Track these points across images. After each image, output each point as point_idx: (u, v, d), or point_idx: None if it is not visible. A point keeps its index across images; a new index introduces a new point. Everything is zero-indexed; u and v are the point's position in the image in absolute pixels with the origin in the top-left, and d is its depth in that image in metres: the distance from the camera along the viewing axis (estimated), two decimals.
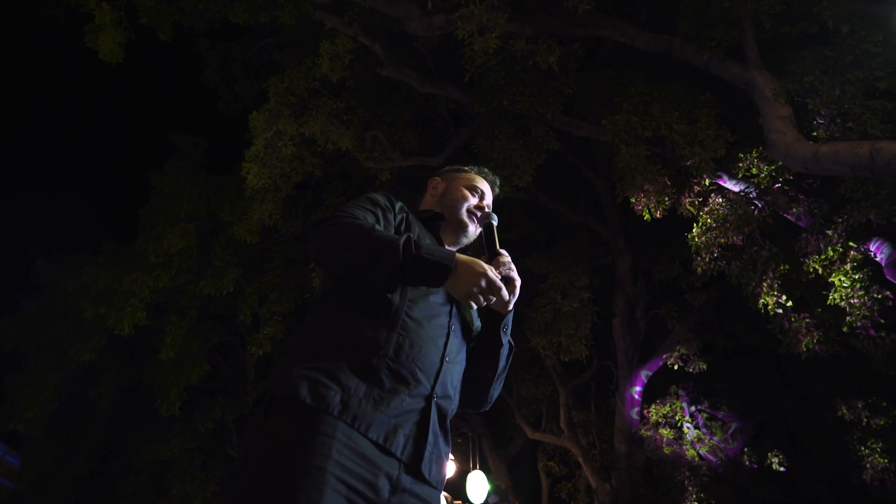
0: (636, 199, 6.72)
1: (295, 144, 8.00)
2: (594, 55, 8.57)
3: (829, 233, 5.90)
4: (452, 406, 1.65)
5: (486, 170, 2.10)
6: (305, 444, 1.34)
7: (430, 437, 1.53)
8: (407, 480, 1.47)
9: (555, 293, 8.54)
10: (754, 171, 6.43)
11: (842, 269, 5.79)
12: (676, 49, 6.65)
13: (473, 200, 2.00)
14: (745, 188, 6.58)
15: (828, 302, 5.90)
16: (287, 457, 1.32)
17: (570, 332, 8.26)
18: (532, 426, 11.13)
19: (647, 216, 6.76)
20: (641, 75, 7.31)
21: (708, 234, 6.56)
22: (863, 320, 5.65)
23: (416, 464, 1.48)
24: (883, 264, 5.85)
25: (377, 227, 1.61)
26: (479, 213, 1.98)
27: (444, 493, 9.09)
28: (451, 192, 2.01)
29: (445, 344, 1.64)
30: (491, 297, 1.58)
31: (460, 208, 1.97)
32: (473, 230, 1.98)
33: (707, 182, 6.81)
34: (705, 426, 9.30)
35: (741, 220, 6.43)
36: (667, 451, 9.00)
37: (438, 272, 1.52)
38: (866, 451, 8.40)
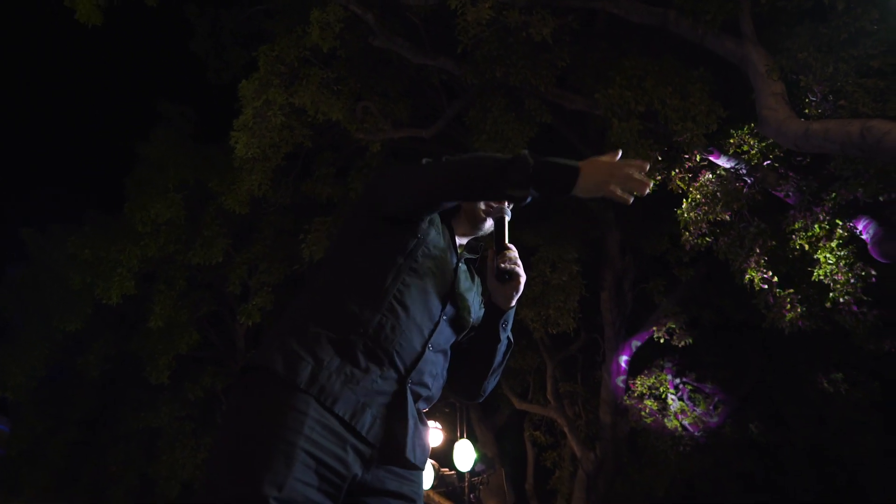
0: None
1: (284, 114, 7.90)
2: (589, 28, 8.46)
3: (817, 210, 5.95)
4: (428, 394, 1.65)
5: None
6: (278, 419, 1.37)
7: (411, 422, 1.54)
8: (385, 461, 1.50)
9: (544, 266, 8.58)
10: (745, 147, 6.44)
11: (827, 245, 5.87)
12: (671, 23, 6.59)
13: None
14: (736, 164, 6.59)
15: (812, 278, 5.97)
16: (260, 431, 1.36)
17: (558, 305, 8.33)
18: (519, 396, 11.29)
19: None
20: (636, 49, 7.25)
21: (697, 210, 6.60)
22: (846, 296, 5.75)
23: (396, 448, 1.51)
24: (868, 242, 5.92)
25: None
26: (494, 206, 1.82)
27: (431, 461, 9.25)
28: None
29: (432, 332, 1.63)
30: (630, 183, 1.48)
31: (478, 203, 1.86)
32: (489, 226, 1.86)
33: (698, 158, 6.81)
34: (689, 398, 9.46)
35: (730, 197, 6.46)
36: (650, 421, 9.17)
37: (568, 171, 1.50)
38: (845, 423, 8.63)
